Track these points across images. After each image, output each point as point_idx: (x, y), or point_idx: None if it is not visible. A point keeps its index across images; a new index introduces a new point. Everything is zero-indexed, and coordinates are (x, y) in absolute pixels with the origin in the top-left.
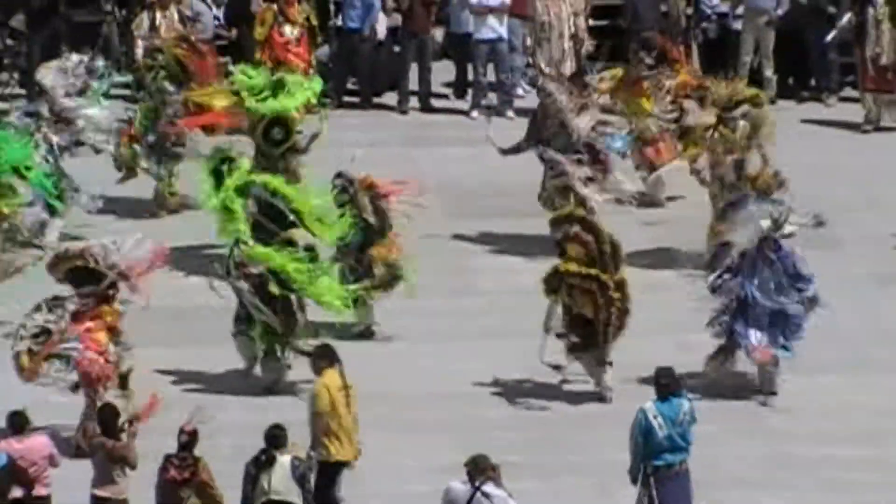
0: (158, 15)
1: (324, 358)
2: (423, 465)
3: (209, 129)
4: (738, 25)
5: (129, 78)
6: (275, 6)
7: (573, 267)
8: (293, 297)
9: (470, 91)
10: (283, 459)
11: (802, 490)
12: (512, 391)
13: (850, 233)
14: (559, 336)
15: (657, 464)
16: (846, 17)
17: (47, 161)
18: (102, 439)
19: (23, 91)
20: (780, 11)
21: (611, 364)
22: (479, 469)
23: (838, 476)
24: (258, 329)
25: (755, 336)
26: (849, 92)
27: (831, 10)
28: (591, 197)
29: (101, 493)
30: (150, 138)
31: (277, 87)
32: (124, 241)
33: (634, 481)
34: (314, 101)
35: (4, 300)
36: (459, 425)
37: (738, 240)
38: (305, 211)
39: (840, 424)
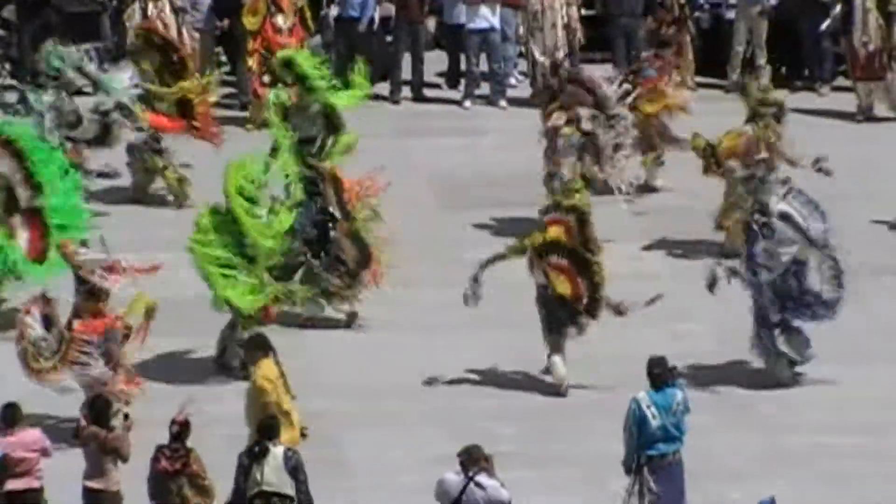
0: (150, 5)
1: (259, 348)
2: (415, 456)
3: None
4: (731, 15)
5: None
6: None
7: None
8: None
9: (463, 81)
10: (277, 451)
11: (798, 481)
12: (504, 382)
13: (844, 223)
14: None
15: (651, 454)
16: (839, 7)
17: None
18: (95, 430)
19: (14, 81)
20: (772, 1)
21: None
22: (473, 459)
23: (834, 467)
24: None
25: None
26: (842, 81)
27: None
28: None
29: (93, 484)
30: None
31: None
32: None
33: (629, 471)
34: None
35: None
36: (452, 416)
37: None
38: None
39: (835, 415)
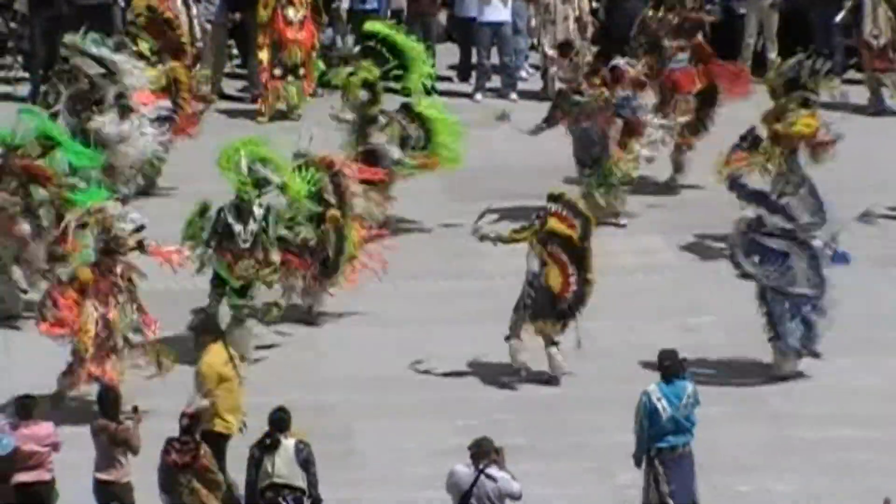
0: None
1: (208, 333)
2: (425, 448)
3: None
4: (742, 9)
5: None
6: None
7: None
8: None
9: (474, 74)
10: (288, 443)
11: (805, 473)
12: (513, 374)
13: (853, 214)
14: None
15: (661, 446)
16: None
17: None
18: (105, 423)
19: (26, 74)
20: None
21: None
22: (483, 452)
23: (841, 459)
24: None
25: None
26: (853, 74)
27: None
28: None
29: (104, 476)
30: None
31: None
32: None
33: (639, 464)
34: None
35: None
36: (461, 408)
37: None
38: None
39: (843, 408)
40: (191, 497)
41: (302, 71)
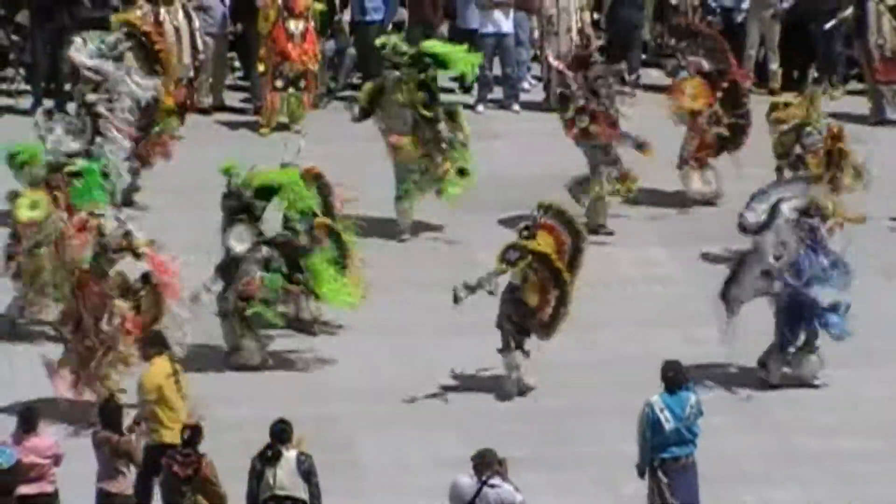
0: (162, 10)
1: (154, 345)
2: (428, 458)
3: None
4: (740, 17)
5: None
6: (279, 1)
7: (545, 249)
8: None
9: (476, 85)
10: (290, 454)
11: (808, 483)
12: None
13: (856, 225)
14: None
15: (664, 457)
16: (850, 9)
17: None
18: (107, 434)
19: (28, 87)
20: (785, 4)
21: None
22: (486, 463)
23: (846, 469)
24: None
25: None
26: (854, 85)
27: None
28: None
29: (106, 487)
30: None
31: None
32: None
33: (642, 475)
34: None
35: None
36: (464, 419)
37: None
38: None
39: (847, 417)
40: None
41: (303, 83)
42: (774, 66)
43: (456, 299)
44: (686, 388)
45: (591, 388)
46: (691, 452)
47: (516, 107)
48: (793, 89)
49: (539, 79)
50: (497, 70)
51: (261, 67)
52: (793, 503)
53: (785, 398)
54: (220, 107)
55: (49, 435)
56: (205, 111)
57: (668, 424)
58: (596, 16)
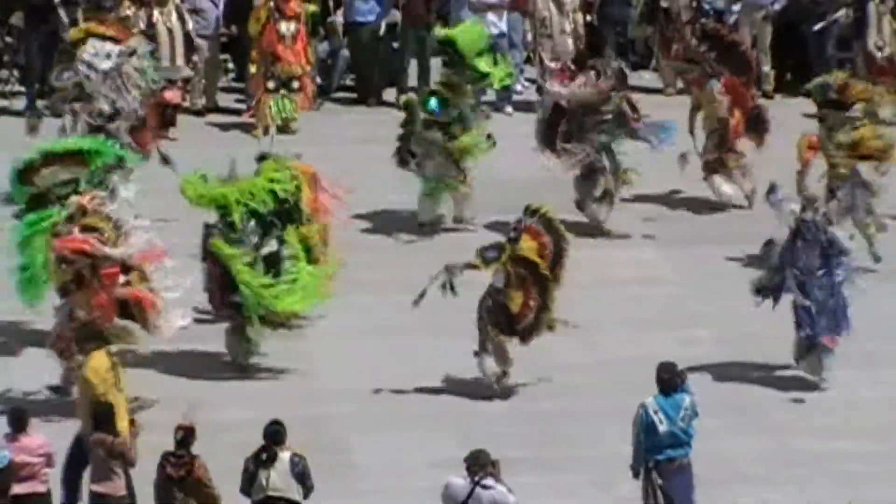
0: (156, 12)
1: (92, 339)
2: (422, 460)
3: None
4: (732, 17)
5: None
6: (271, 2)
7: (529, 254)
8: None
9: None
10: (283, 456)
11: (806, 485)
12: (512, 385)
13: (852, 227)
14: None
15: (659, 458)
16: (842, 12)
17: None
18: (101, 436)
19: (22, 88)
20: (777, 6)
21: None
22: (479, 464)
23: (843, 470)
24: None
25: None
26: None
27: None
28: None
29: (99, 489)
30: None
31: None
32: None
33: (636, 476)
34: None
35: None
36: (458, 420)
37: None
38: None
39: (845, 419)
40: None
41: (296, 84)
42: (766, 67)
43: (451, 287)
44: (681, 390)
45: (589, 389)
46: (686, 454)
47: (509, 109)
48: (787, 91)
49: (532, 81)
50: None
51: (252, 69)
52: None
53: (782, 400)
54: (214, 108)
55: (39, 434)
56: (198, 113)
57: (662, 426)
58: (589, 18)
